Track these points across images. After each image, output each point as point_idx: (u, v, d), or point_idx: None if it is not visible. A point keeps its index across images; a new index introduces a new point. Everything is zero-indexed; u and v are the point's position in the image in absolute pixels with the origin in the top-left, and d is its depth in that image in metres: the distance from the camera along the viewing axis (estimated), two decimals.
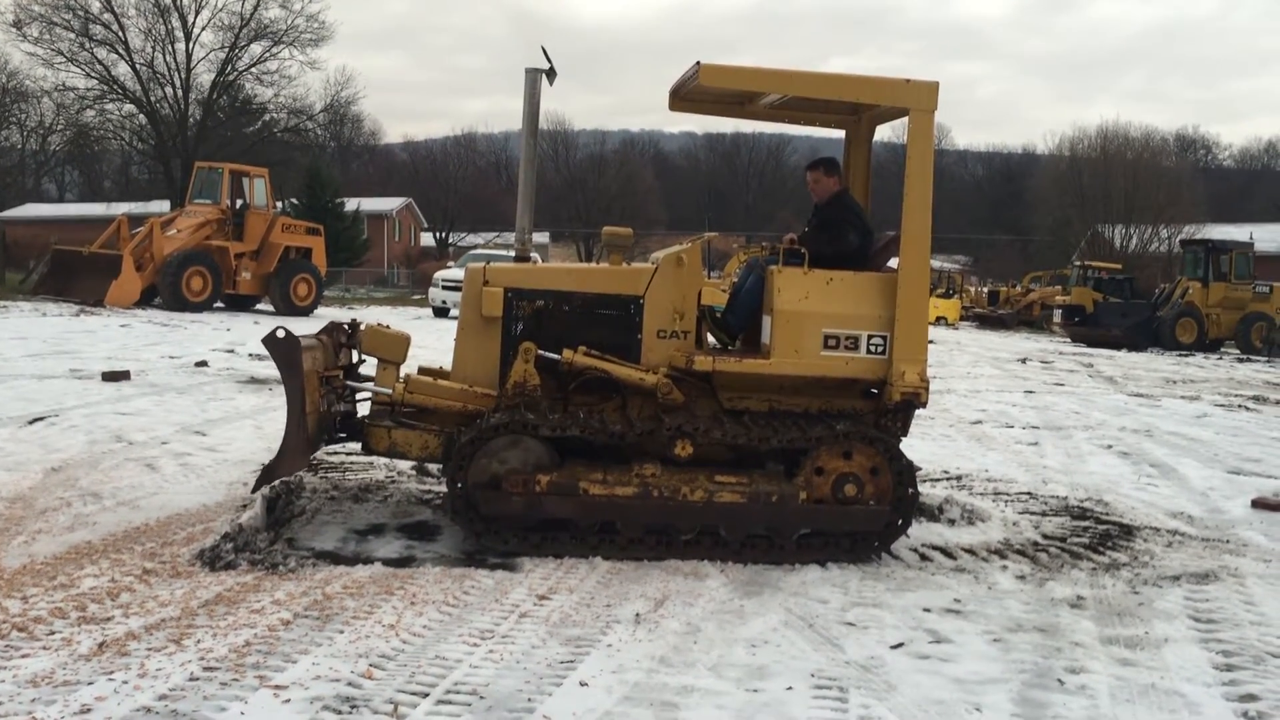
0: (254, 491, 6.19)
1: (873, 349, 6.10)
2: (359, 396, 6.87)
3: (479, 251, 38.69)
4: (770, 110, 7.09)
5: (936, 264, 61.73)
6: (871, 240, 6.60)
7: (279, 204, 35.16)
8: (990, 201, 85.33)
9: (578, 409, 6.22)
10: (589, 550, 5.92)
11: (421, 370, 6.87)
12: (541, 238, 65.06)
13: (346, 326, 7.11)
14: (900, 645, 4.81)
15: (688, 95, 6.76)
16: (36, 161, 69.46)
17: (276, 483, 7.22)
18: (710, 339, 6.75)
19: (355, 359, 7.07)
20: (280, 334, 5.83)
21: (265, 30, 51.02)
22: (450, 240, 69.21)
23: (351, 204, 53.94)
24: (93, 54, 49.53)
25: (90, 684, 3.96)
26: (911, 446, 10.12)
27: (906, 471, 6.14)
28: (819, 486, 6.10)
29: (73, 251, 25.47)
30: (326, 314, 26.42)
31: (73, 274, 24.61)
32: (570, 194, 74.97)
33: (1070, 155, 67.01)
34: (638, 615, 5.02)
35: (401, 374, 6.60)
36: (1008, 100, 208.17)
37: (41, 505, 6.52)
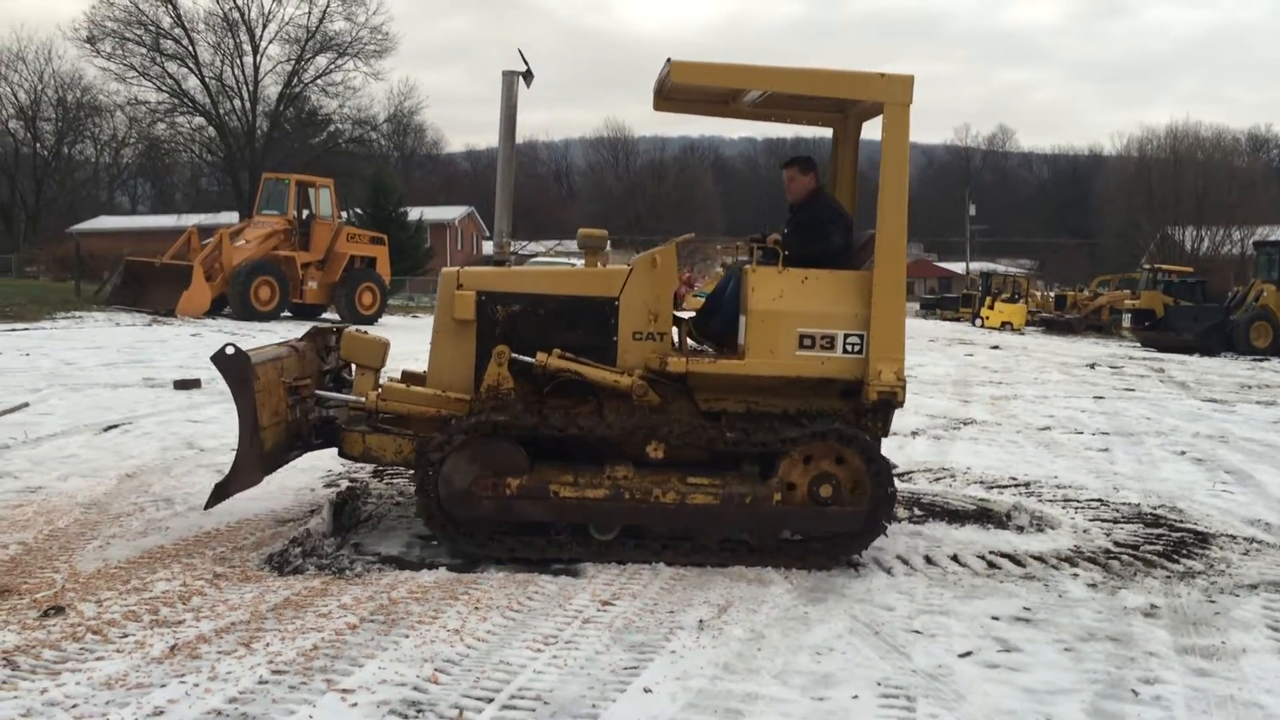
0: (206, 509, 6.02)
1: (849, 348, 5.98)
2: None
3: (540, 259, 38.87)
4: (754, 109, 6.93)
5: (1002, 269, 61.03)
6: (853, 238, 6.51)
7: (344, 214, 35.58)
8: (1056, 204, 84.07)
9: (552, 412, 6.12)
10: (652, 556, 5.89)
11: (405, 375, 6.81)
12: None
13: (333, 331, 7.09)
14: (969, 654, 4.74)
15: (669, 94, 6.63)
16: (110, 174, 71.26)
17: (342, 487, 7.33)
18: (690, 341, 6.65)
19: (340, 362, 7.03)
20: (230, 350, 5.72)
21: (330, 42, 52.05)
22: (512, 248, 69.68)
23: (415, 213, 54.53)
24: (164, 68, 50.89)
25: (162, 686, 4.03)
26: (979, 453, 10.00)
27: (884, 471, 6.02)
28: (794, 488, 6.02)
29: (145, 262, 25.97)
30: (391, 322, 26.72)
31: (145, 284, 25.07)
32: (630, 200, 75.11)
33: (1139, 156, 65.87)
34: (701, 622, 5.00)
35: (383, 378, 6.56)
36: (1063, 106, 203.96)
37: (116, 510, 6.66)
